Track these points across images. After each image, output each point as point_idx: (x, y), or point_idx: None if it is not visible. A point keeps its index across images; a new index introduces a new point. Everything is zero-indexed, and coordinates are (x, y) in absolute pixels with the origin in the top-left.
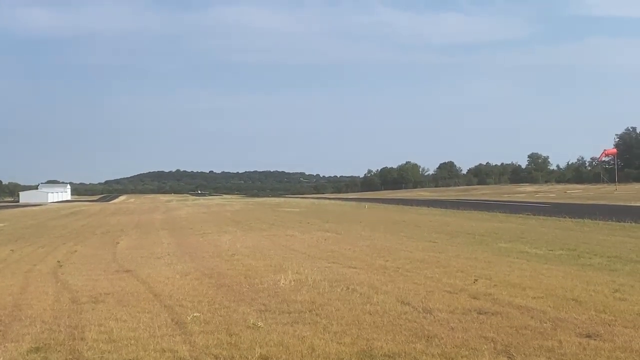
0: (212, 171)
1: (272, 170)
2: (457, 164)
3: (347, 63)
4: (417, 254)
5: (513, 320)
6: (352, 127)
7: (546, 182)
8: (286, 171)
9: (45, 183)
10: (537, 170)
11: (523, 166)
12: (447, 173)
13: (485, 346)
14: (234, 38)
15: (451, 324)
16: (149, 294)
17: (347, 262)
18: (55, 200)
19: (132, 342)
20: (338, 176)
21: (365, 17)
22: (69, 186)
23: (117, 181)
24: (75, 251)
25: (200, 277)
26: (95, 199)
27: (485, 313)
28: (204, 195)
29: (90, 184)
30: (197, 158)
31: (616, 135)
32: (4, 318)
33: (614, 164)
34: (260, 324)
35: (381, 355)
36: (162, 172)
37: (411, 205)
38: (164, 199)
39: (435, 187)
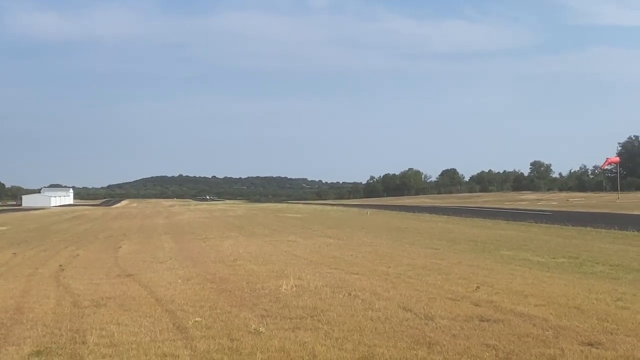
0: (214, 176)
1: (274, 176)
2: (460, 171)
3: (351, 69)
4: (419, 260)
5: (515, 328)
6: (354, 134)
7: (549, 190)
8: (289, 177)
9: (48, 187)
10: (539, 178)
11: (525, 174)
12: (450, 180)
13: (487, 354)
14: (238, 44)
15: (453, 331)
16: (151, 299)
17: (349, 268)
18: (57, 204)
19: (134, 346)
20: (340, 182)
21: (369, 24)
22: (71, 190)
23: (119, 185)
24: (78, 255)
25: (202, 282)
26: (97, 203)
27: (487, 320)
28: (207, 200)
29: (93, 188)
30: (200, 163)
31: (619, 143)
32: (5, 321)
33: (616, 172)
34: (261, 329)
35: None
36: (165, 176)
37: (413, 212)
38: (166, 204)
39: (438, 194)
